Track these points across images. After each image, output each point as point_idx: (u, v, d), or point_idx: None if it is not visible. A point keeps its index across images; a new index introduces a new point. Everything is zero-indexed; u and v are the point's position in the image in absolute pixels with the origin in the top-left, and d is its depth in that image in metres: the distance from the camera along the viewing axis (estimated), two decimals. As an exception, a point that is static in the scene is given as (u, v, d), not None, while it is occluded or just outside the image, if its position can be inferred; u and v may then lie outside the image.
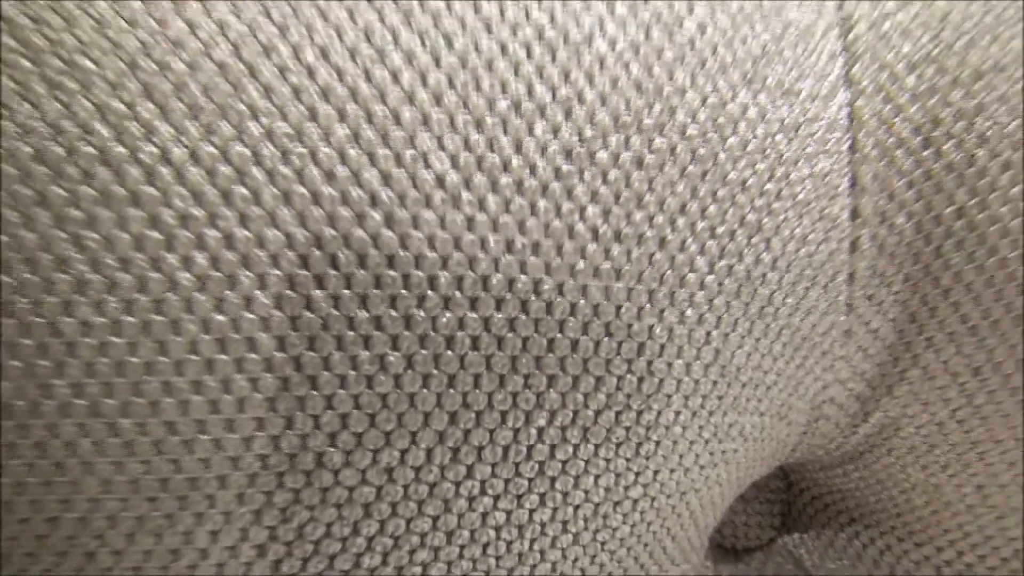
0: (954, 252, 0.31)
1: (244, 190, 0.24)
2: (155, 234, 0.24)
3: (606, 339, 0.27)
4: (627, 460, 0.28)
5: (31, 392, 0.24)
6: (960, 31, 0.31)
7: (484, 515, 0.27)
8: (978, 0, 0.31)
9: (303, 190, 0.24)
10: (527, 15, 0.26)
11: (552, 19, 0.26)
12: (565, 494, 0.28)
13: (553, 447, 0.27)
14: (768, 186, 0.29)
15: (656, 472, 0.29)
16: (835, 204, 0.30)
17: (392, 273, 0.25)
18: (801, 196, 0.29)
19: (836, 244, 0.31)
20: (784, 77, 0.29)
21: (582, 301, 0.27)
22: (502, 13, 0.26)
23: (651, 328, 0.28)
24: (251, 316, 0.25)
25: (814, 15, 0.30)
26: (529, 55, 0.26)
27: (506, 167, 0.26)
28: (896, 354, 0.32)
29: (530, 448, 0.27)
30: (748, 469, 0.33)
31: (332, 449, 0.26)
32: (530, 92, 0.26)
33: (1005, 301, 0.31)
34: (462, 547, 0.27)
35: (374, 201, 0.25)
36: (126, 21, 0.24)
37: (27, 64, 0.23)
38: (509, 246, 0.26)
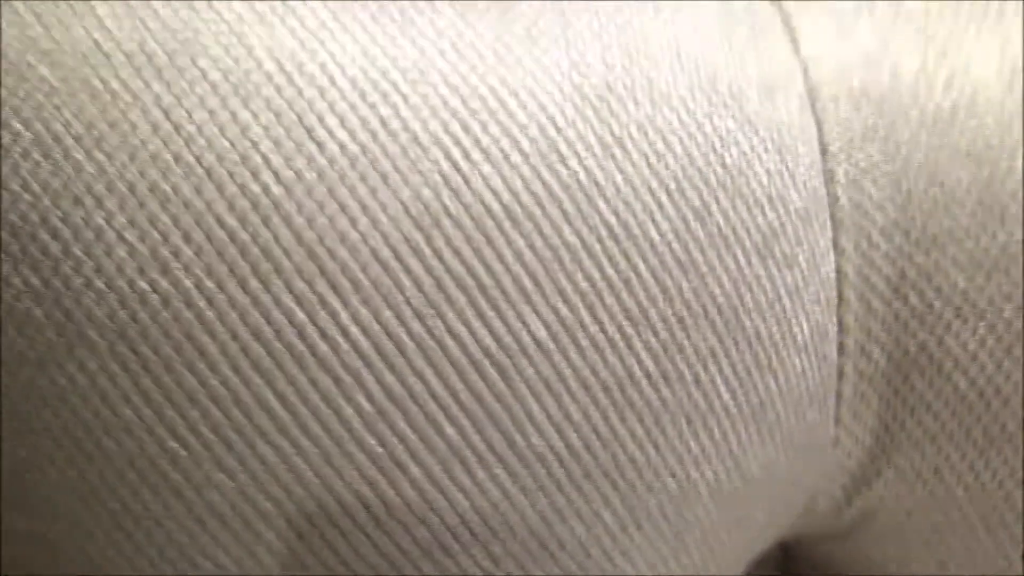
0: (918, 379, 0.40)
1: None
2: (325, 378, 0.33)
3: (655, 454, 0.36)
4: (672, 548, 0.37)
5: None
6: (920, 206, 0.40)
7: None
8: (936, 183, 0.40)
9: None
10: (600, 215, 0.35)
11: (616, 215, 0.35)
12: None
13: (614, 537, 0.36)
14: (776, 335, 0.37)
15: (691, 555, 0.38)
16: (826, 344, 0.39)
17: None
18: (800, 340, 0.38)
19: (827, 374, 0.39)
20: (787, 250, 0.38)
21: (639, 428, 0.35)
22: (581, 213, 0.35)
23: (689, 445, 0.36)
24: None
25: (810, 199, 0.39)
26: (600, 242, 0.35)
27: (582, 325, 0.35)
28: (873, 456, 0.41)
29: (599, 542, 0.36)
30: (757, 545, 0.42)
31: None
32: (601, 271, 0.35)
33: (957, 418, 0.40)
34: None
35: (486, 355, 0.34)
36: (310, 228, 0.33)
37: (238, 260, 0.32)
38: (585, 385, 0.35)
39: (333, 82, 0.34)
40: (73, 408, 0.33)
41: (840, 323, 0.40)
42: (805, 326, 0.38)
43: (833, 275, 0.39)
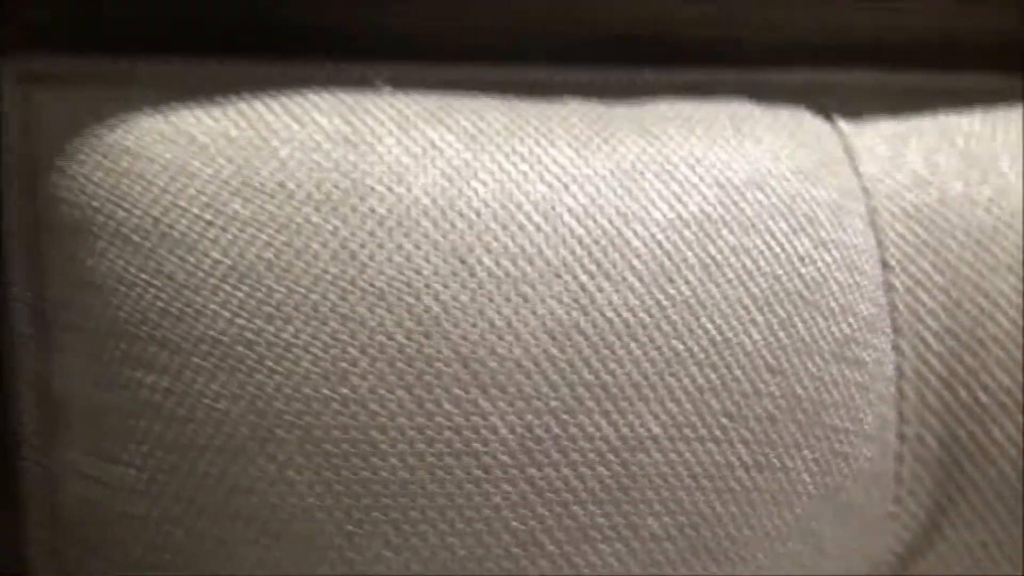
0: (968, 463, 0.46)
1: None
2: (477, 469, 0.39)
3: (749, 532, 0.42)
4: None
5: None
6: (968, 313, 0.46)
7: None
8: (981, 293, 0.46)
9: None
10: (702, 327, 0.41)
11: (716, 327, 0.41)
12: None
13: (713, 602, 0.42)
14: (849, 427, 0.43)
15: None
16: (887, 431, 0.45)
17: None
18: (868, 430, 0.44)
19: (889, 459, 0.45)
20: (858, 353, 0.44)
21: (736, 510, 0.41)
22: (686, 326, 0.41)
23: (776, 523, 0.42)
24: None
25: (874, 308, 0.45)
26: (703, 351, 0.41)
27: (689, 422, 0.41)
28: (927, 530, 0.47)
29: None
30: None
31: None
32: (704, 375, 0.41)
33: (1002, 499, 0.46)
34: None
35: (610, 448, 0.40)
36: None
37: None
38: (692, 473, 0.41)
39: (479, 215, 0.40)
40: (262, 495, 0.38)
41: (900, 414, 0.46)
42: (871, 418, 0.44)
43: (893, 373, 0.45)
